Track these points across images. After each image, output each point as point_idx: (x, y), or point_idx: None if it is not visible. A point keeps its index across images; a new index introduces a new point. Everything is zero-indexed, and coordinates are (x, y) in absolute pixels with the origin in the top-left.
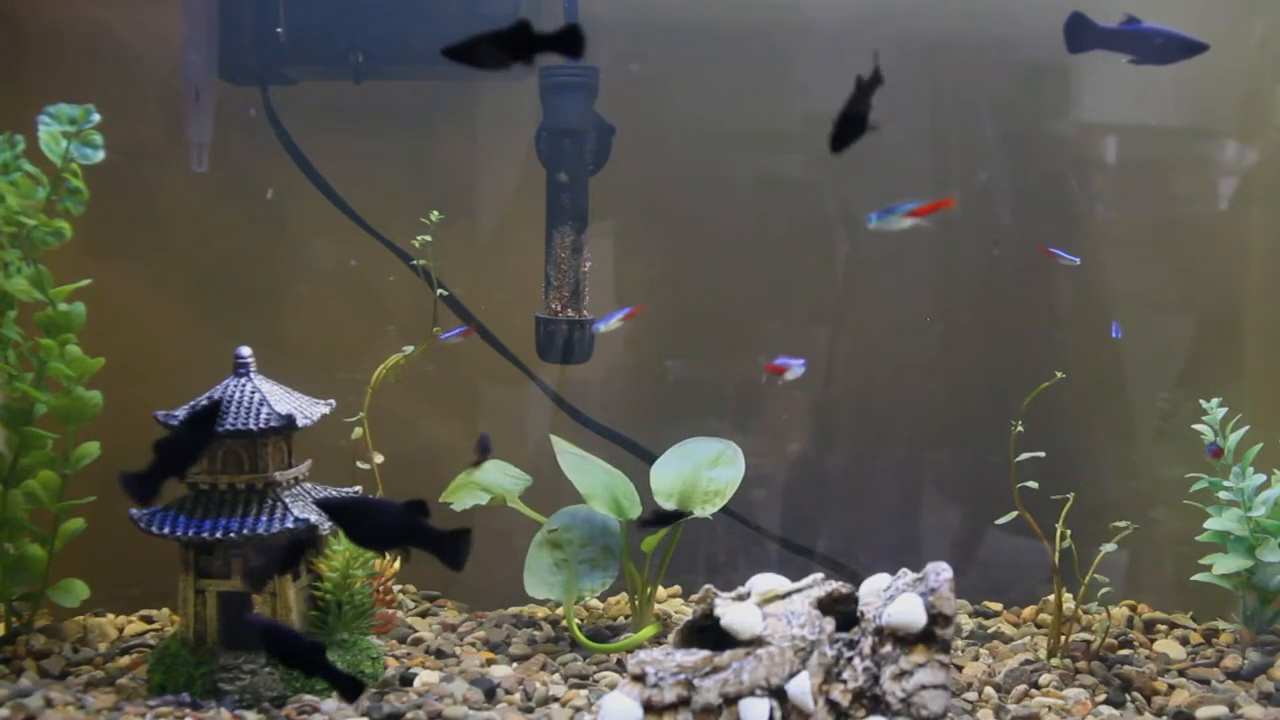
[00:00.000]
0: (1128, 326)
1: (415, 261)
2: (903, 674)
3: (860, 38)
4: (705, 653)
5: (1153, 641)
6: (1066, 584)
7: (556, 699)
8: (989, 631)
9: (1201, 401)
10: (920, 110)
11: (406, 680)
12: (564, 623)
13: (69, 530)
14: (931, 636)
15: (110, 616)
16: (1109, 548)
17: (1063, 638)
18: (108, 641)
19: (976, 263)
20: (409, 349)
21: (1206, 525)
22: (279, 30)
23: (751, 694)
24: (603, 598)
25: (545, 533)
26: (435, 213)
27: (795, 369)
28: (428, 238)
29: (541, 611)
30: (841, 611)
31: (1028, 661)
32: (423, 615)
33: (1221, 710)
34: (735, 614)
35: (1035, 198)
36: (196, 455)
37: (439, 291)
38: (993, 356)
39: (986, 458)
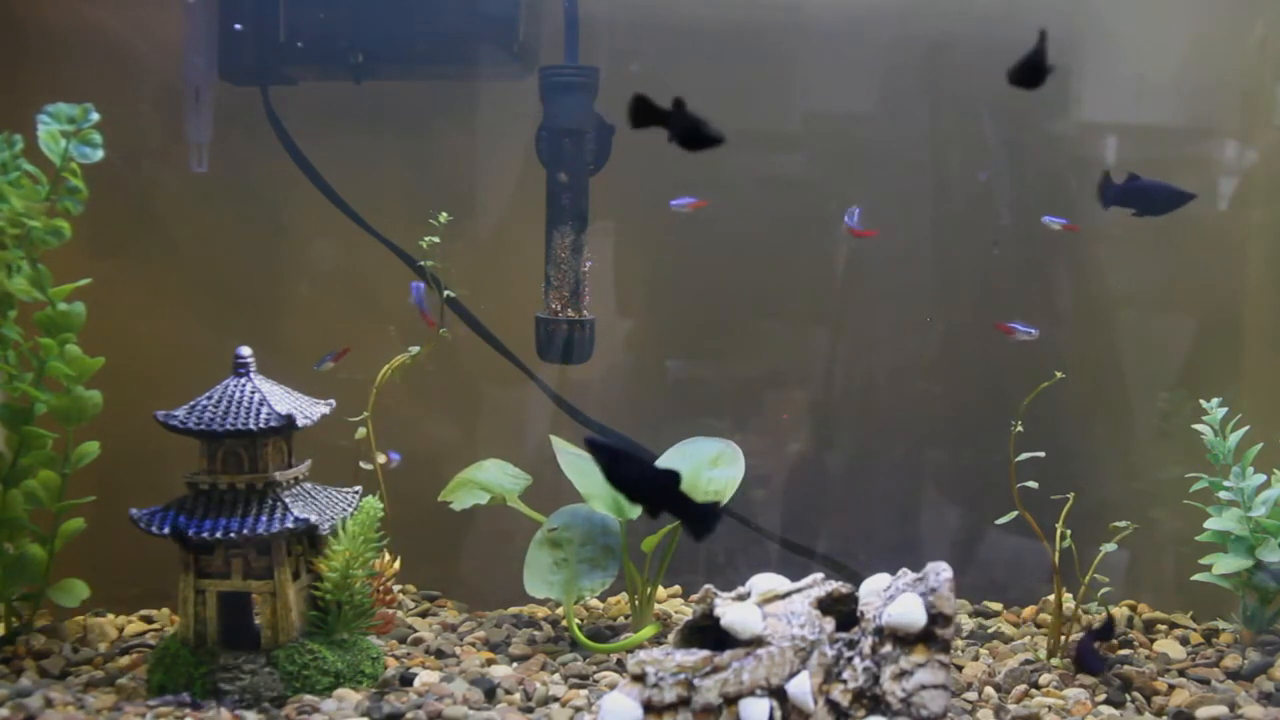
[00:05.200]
0: (1128, 326)
1: (422, 263)
2: (903, 674)
3: (860, 37)
4: (705, 653)
5: (1153, 641)
6: (1066, 584)
7: (556, 699)
8: (989, 631)
9: (1201, 401)
10: (920, 110)
11: (406, 680)
12: (564, 623)
13: (69, 530)
14: (931, 636)
15: (110, 616)
16: (1109, 548)
17: (1063, 638)
18: (108, 641)
19: (976, 263)
20: (415, 349)
21: (1206, 525)
22: (279, 30)
23: (751, 694)
24: (603, 598)
25: (545, 532)
26: (444, 214)
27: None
28: (435, 239)
29: (541, 611)
30: (841, 611)
31: (1028, 661)
32: (423, 615)
33: (1221, 710)
34: (735, 614)
35: (1035, 198)
36: None
37: (446, 293)
38: (993, 356)
39: (986, 458)
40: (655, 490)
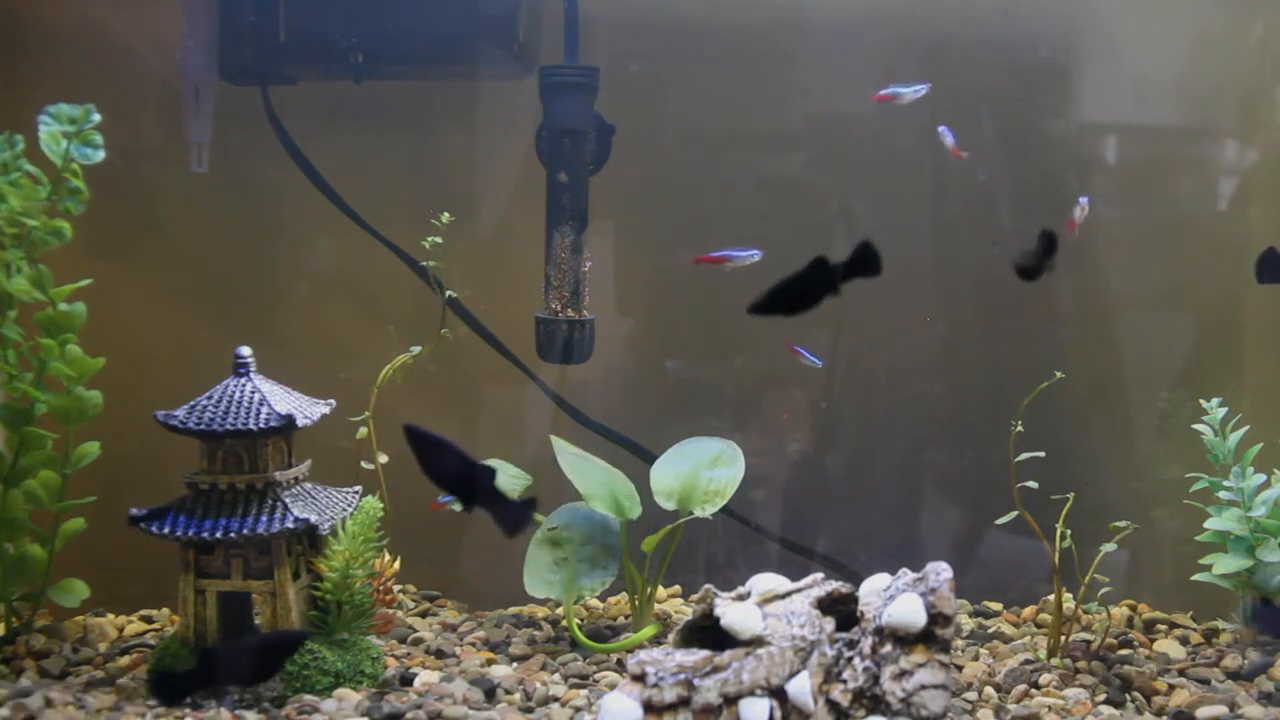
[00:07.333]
0: (1128, 327)
1: (425, 263)
2: (903, 674)
3: (860, 38)
4: (705, 653)
5: (1153, 641)
6: (1066, 584)
7: (556, 699)
8: (989, 631)
9: (1201, 401)
10: (920, 110)
11: (406, 680)
12: (564, 622)
13: (69, 530)
14: (931, 636)
15: (110, 616)
16: (1109, 548)
17: (1063, 638)
18: (108, 641)
19: (976, 262)
20: (416, 349)
21: (1206, 525)
22: (279, 29)
23: (751, 694)
24: (603, 597)
25: (544, 531)
26: (446, 214)
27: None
28: (438, 239)
29: (541, 611)
30: (841, 611)
31: (1028, 661)
32: (423, 615)
33: (1221, 710)
34: (735, 614)
35: (1035, 198)
36: None
37: (448, 293)
38: (993, 356)
39: (986, 458)
40: (469, 483)
